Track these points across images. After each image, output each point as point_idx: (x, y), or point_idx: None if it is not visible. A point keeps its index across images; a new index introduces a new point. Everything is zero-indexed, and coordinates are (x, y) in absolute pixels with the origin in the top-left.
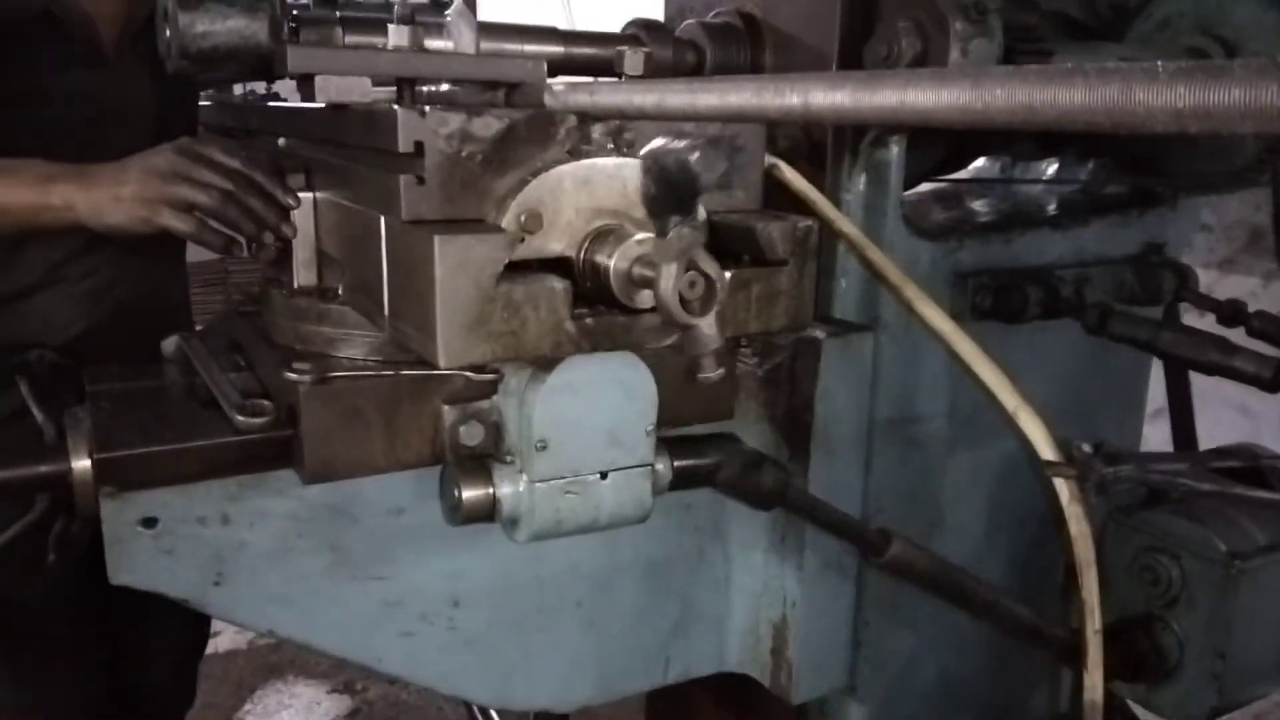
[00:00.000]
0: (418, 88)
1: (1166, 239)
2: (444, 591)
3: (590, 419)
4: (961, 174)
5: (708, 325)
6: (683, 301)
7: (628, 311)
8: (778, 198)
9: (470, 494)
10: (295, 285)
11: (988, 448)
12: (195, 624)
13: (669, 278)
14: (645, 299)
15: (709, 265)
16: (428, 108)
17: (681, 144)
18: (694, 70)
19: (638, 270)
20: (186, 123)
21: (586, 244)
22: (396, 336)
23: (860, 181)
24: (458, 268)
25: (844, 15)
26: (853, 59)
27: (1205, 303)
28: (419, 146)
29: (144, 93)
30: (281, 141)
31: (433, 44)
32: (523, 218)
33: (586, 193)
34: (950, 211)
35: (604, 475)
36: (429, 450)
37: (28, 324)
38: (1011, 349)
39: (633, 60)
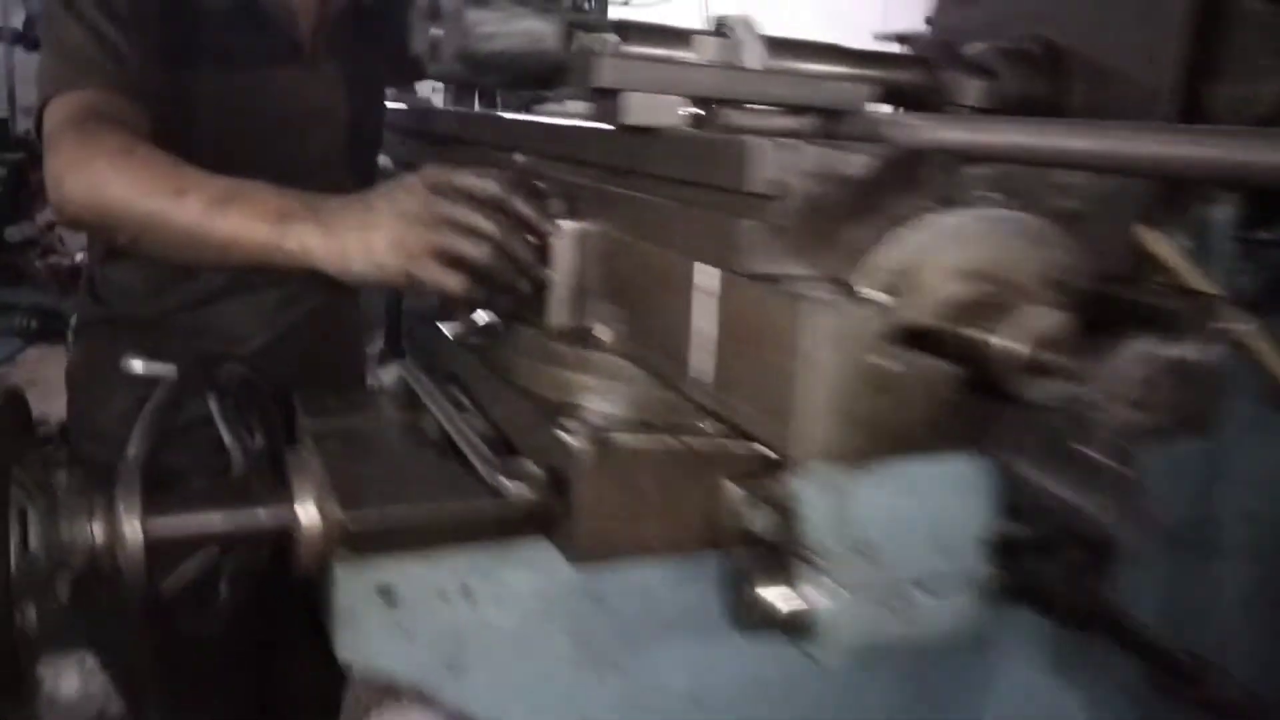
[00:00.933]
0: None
1: None
2: (686, 688)
3: (920, 520)
4: None
5: None
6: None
7: (1006, 400)
8: None
9: (769, 595)
10: (551, 323)
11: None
12: None
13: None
14: (1041, 389)
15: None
16: (785, 140)
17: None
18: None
19: (1044, 355)
20: (376, 126)
21: (958, 314)
22: (721, 409)
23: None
24: (829, 340)
25: (1184, 48)
26: (1192, 100)
27: None
28: (774, 187)
29: (337, 92)
30: (519, 158)
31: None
32: (888, 278)
33: (956, 249)
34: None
35: (924, 586)
36: (708, 534)
37: (209, 334)
38: None
39: (975, 89)
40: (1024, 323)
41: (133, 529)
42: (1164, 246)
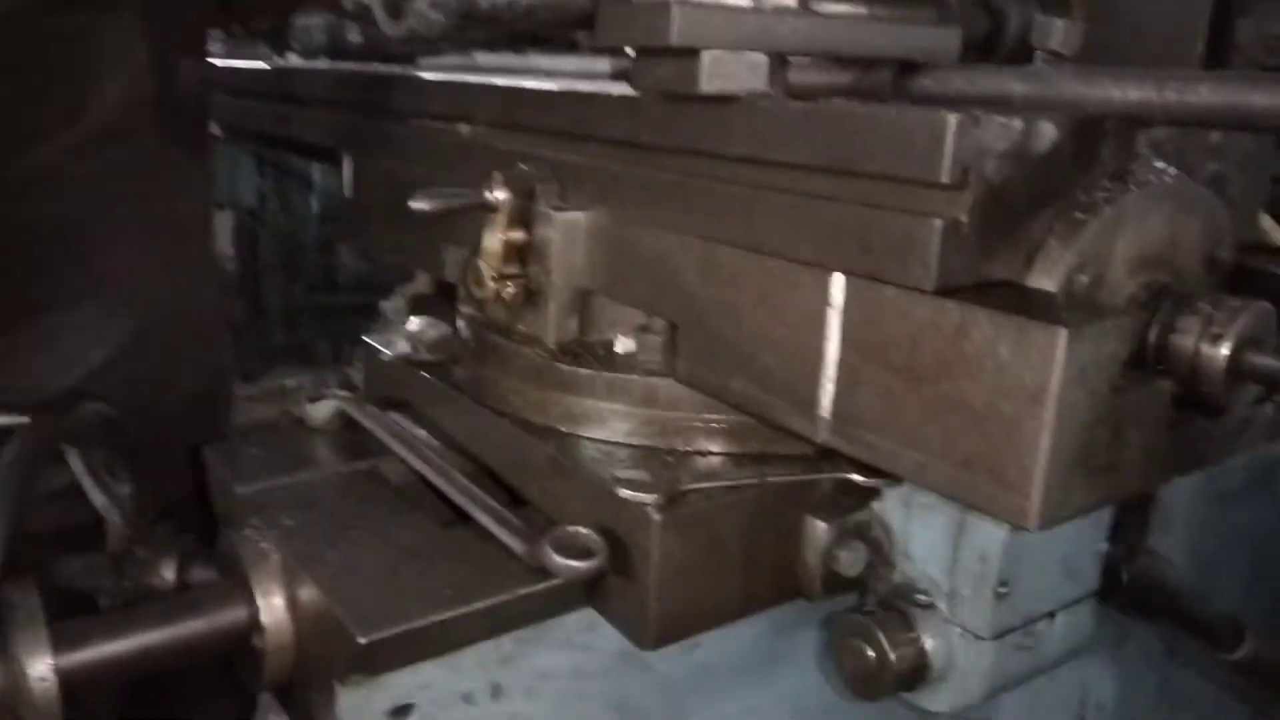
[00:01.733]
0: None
1: None
2: None
3: (1051, 547)
4: None
5: None
6: None
7: (1211, 412)
8: None
9: (902, 654)
10: (549, 338)
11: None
12: None
13: None
14: (1243, 396)
15: None
16: (973, 113)
17: None
18: (991, 39)
19: (1258, 360)
20: (198, 79)
21: (1144, 313)
22: (862, 453)
23: None
24: (1080, 376)
25: None
26: (1223, 36)
27: None
28: (962, 174)
29: (131, 37)
30: (464, 129)
31: None
32: (1084, 278)
33: (1137, 236)
34: None
35: (1053, 615)
36: (790, 582)
37: (20, 362)
38: None
39: (1068, 34)
40: (1224, 320)
41: (42, 674)
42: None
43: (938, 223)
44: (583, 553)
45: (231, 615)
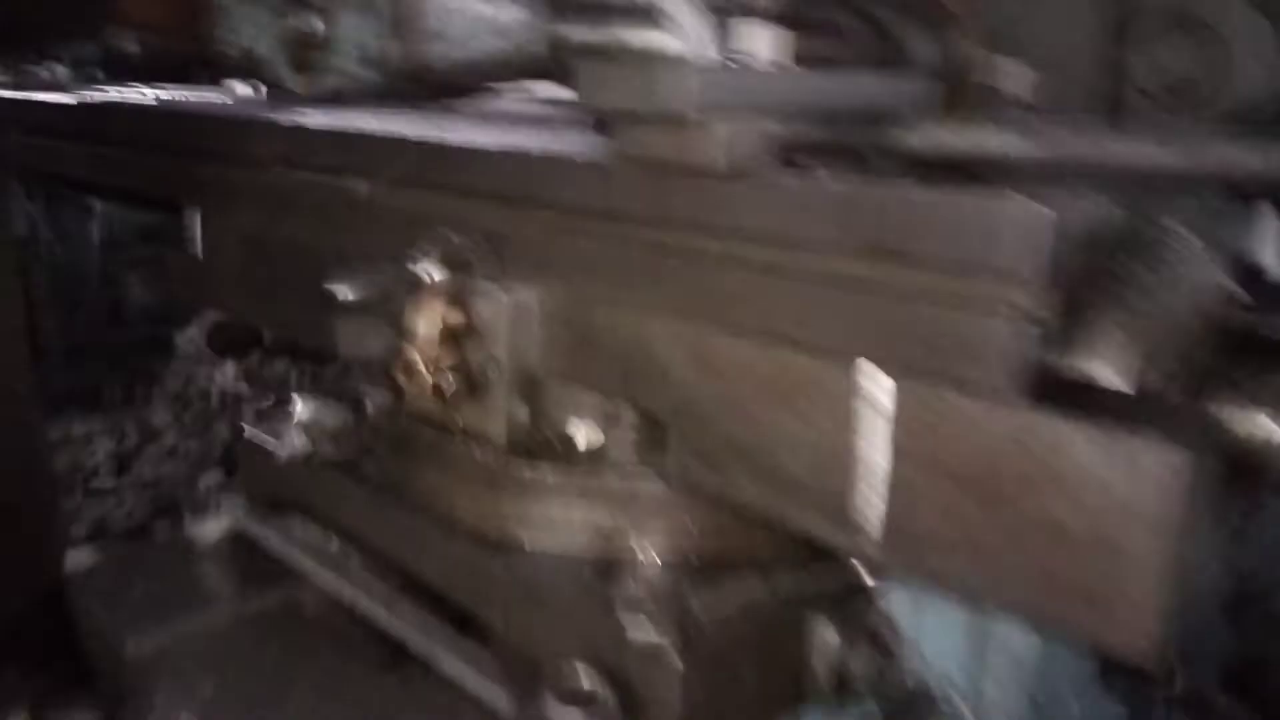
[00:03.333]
0: None
1: None
2: None
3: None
4: None
5: None
6: None
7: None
8: None
9: None
10: (496, 432)
11: None
12: None
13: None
14: None
15: None
16: (1042, 195)
17: None
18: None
19: None
20: None
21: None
22: (909, 566)
23: None
24: (1198, 497)
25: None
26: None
27: None
28: (1033, 264)
29: None
30: (363, 186)
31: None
32: (1149, 370)
33: (1175, 313)
34: None
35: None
36: (801, 688)
37: None
38: None
39: (1024, 78)
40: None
41: None
42: None
43: (1019, 322)
44: (586, 700)
45: None
